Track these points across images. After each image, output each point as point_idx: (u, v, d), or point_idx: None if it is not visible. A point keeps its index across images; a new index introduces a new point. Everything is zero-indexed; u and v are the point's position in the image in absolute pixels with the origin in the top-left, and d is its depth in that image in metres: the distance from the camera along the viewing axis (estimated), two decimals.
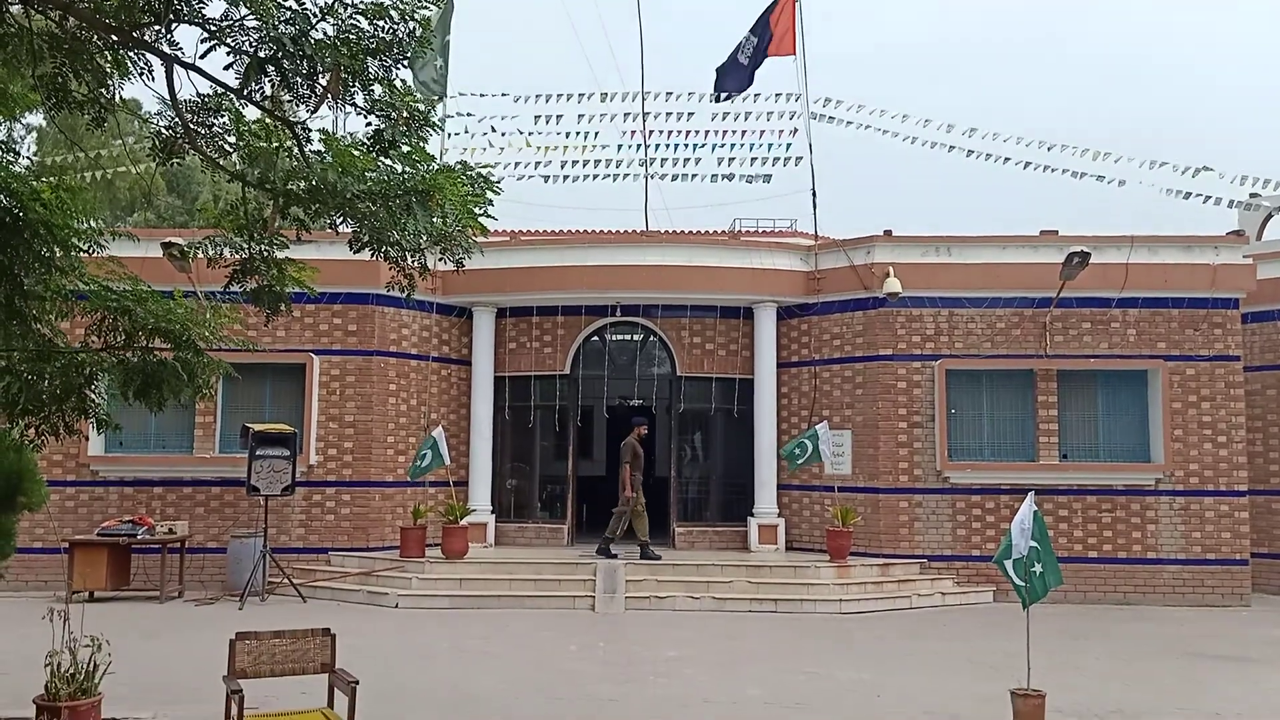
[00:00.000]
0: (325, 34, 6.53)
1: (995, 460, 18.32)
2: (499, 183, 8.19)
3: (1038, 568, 9.60)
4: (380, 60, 6.80)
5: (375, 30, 6.64)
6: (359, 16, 6.57)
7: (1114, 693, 10.96)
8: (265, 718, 7.44)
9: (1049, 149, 21.63)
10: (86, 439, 16.52)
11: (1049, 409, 18.24)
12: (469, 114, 23.41)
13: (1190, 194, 20.67)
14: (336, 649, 7.68)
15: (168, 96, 7.10)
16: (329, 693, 7.64)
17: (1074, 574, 17.25)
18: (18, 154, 8.02)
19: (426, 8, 6.84)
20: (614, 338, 20.39)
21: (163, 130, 7.52)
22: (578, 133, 23.55)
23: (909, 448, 18.25)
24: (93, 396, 8.67)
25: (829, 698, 10.62)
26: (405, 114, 7.23)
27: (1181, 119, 63.09)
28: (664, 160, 23.50)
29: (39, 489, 10.53)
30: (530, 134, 23.43)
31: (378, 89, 7.02)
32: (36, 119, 30.49)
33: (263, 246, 8.50)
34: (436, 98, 20.94)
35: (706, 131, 23.46)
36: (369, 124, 7.31)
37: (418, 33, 6.77)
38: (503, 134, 23.44)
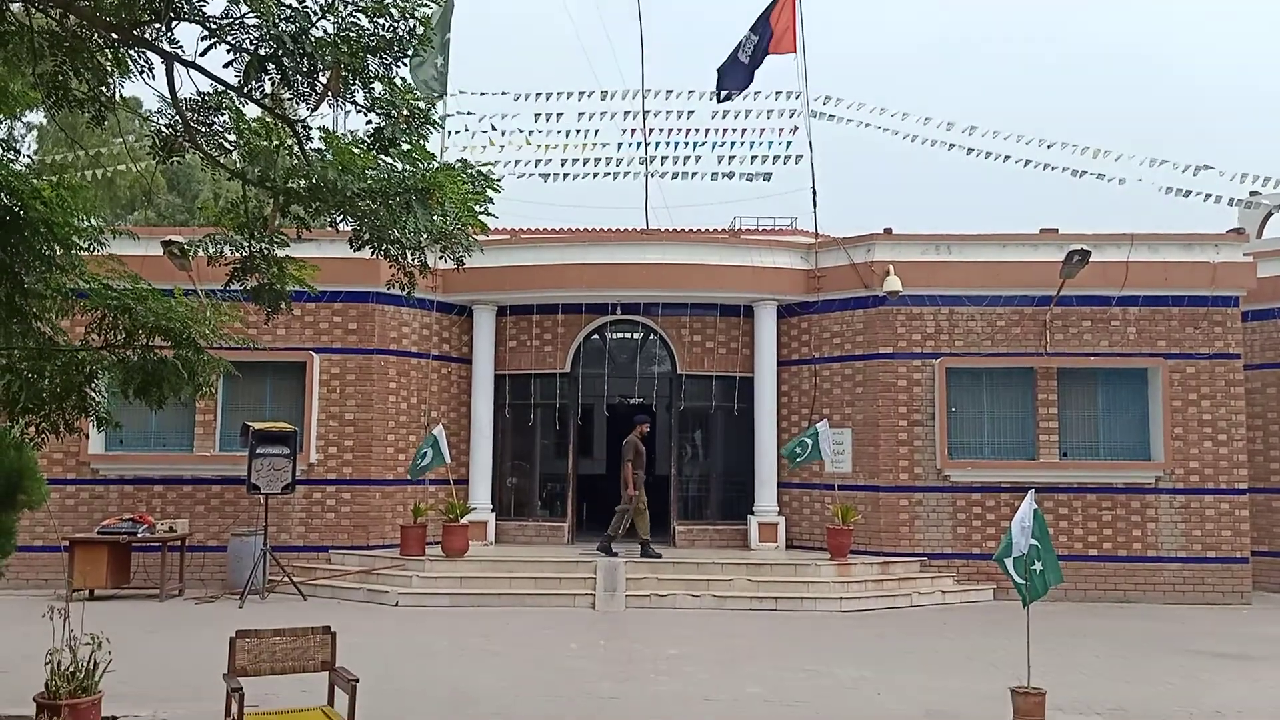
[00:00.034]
0: (325, 32, 6.53)
1: (995, 458, 18.32)
2: (499, 181, 8.20)
3: (1038, 566, 9.61)
4: (380, 58, 6.80)
5: (375, 28, 6.64)
6: (359, 14, 6.57)
7: (1114, 690, 10.96)
8: (265, 716, 7.45)
9: (1049, 147, 21.61)
10: (87, 437, 16.55)
11: (1049, 407, 18.24)
12: (469, 112, 23.41)
13: (1190, 192, 20.66)
14: (337, 647, 7.69)
15: (168, 94, 7.10)
16: (329, 691, 7.64)
17: (1074, 572, 17.25)
18: (18, 152, 8.03)
19: (427, 5, 6.83)
20: (614, 336, 20.39)
21: (163, 128, 7.53)
22: (578, 131, 23.53)
23: (909, 446, 18.25)
24: (93, 395, 8.68)
25: (829, 696, 10.62)
26: (405, 112, 7.24)
27: (1181, 119, 63.05)
28: (664, 158, 23.46)
29: (39, 487, 10.53)
30: (530, 132, 23.42)
31: (378, 87, 7.02)
32: (37, 117, 30.51)
33: (263, 244, 8.50)
34: (437, 96, 20.94)
35: (707, 130, 23.44)
36: (369, 122, 7.31)
37: (418, 30, 6.77)
38: (503, 132, 23.43)
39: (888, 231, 18.90)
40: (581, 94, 23.33)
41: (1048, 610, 14.39)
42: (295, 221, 8.49)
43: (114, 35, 6.80)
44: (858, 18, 77.71)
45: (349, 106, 7.07)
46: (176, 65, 6.90)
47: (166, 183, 34.57)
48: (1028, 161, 21.90)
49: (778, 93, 23.15)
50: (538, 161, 23.67)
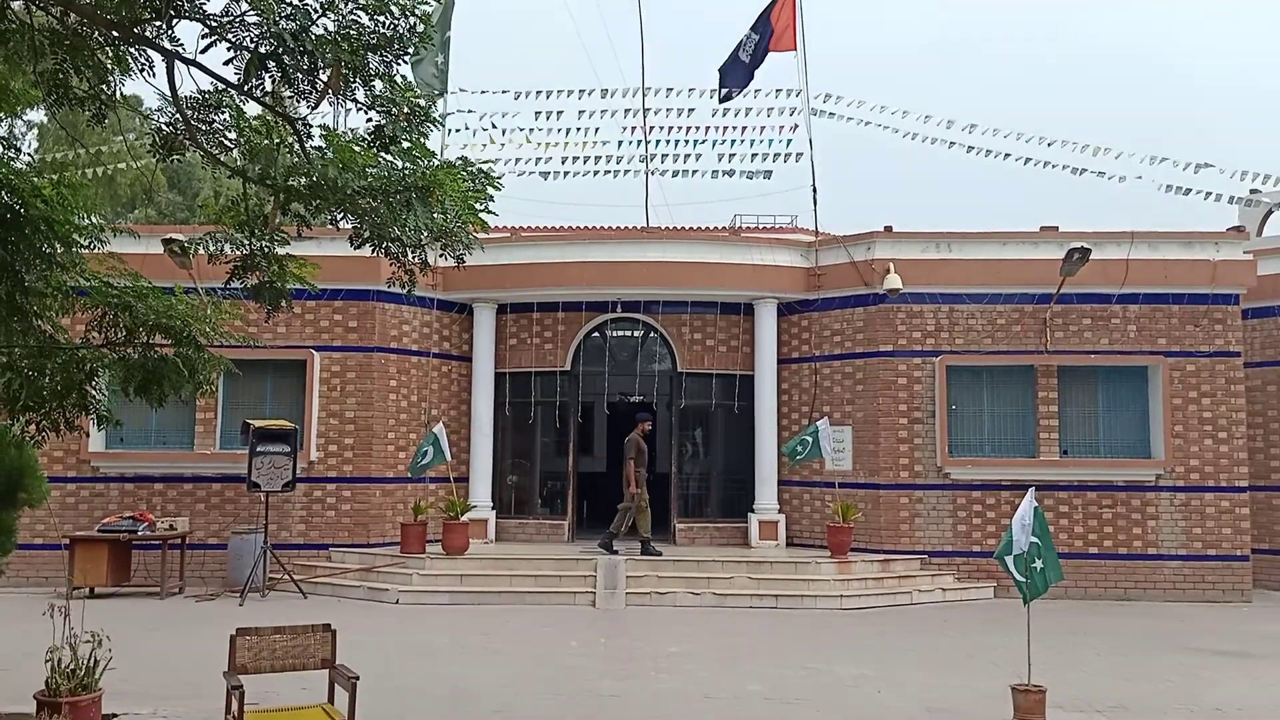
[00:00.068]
0: (326, 29, 6.54)
1: (996, 456, 18.32)
2: (499, 179, 8.20)
3: (1038, 563, 9.61)
4: (381, 55, 6.81)
5: (376, 26, 6.65)
6: (359, 12, 6.58)
7: (1115, 688, 10.96)
8: (266, 713, 7.45)
9: (1049, 145, 21.62)
10: (87, 435, 16.64)
11: (1049, 405, 18.24)
12: (470, 110, 23.42)
13: (1191, 190, 20.66)
14: (337, 645, 7.68)
15: (168, 92, 7.11)
16: (329, 688, 7.65)
17: (1075, 570, 17.26)
18: (19, 150, 8.03)
19: (427, 3, 6.85)
20: (615, 334, 20.39)
21: (163, 126, 7.54)
22: (578, 129, 23.54)
23: (909, 444, 18.25)
24: (93, 392, 8.68)
25: (830, 694, 10.62)
26: (406, 109, 7.24)
27: (1181, 119, 63.01)
28: (664, 156, 23.45)
29: (40, 485, 10.54)
30: (531, 130, 23.43)
31: (378, 84, 7.03)
32: (38, 115, 30.51)
33: (263, 242, 8.51)
34: (437, 93, 20.94)
35: (707, 128, 23.43)
36: (370, 120, 7.32)
37: (418, 28, 6.77)
38: (503, 130, 23.44)
39: (888, 229, 18.90)
40: (582, 92, 23.33)
41: (1048, 608, 14.38)
42: (296, 219, 8.50)
43: (114, 33, 6.80)
44: (857, 18, 77.73)
45: (349, 104, 7.09)
46: (177, 63, 6.90)
47: (167, 181, 34.56)
48: (1028, 159, 21.90)
49: (778, 90, 23.15)
50: (538, 159, 23.68)
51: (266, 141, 7.80)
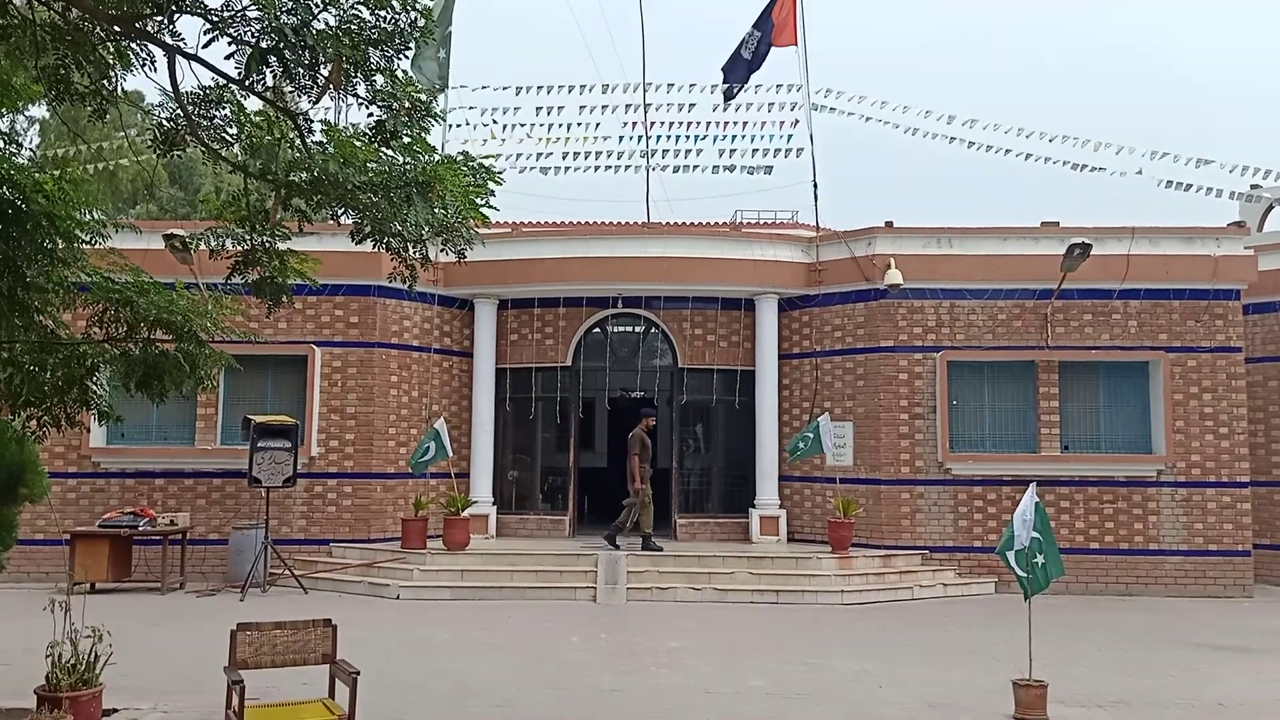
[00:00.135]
0: (327, 24, 6.53)
1: (997, 452, 18.31)
2: (500, 174, 8.20)
3: (1040, 559, 9.62)
4: (382, 51, 6.80)
5: (377, 21, 6.64)
6: (360, 7, 6.57)
7: (1116, 683, 10.96)
8: (266, 708, 7.46)
9: (1050, 141, 21.63)
10: (88, 431, 16.60)
11: (1050, 400, 18.24)
12: (470, 106, 23.43)
13: (1191, 185, 20.66)
14: (337, 640, 7.69)
15: (170, 88, 7.10)
16: (330, 683, 7.66)
17: (1076, 565, 17.26)
18: (20, 146, 8.04)
19: None
20: (615, 329, 20.38)
21: (165, 122, 7.53)
22: (579, 124, 23.56)
23: (910, 439, 18.25)
24: (94, 388, 8.68)
25: (831, 689, 10.63)
26: (407, 104, 7.24)
27: (1182, 119, 62.95)
28: (665, 152, 23.49)
29: (40, 480, 10.53)
30: (532, 125, 23.44)
31: (379, 79, 7.02)
32: (39, 111, 30.49)
33: (264, 238, 8.52)
34: (438, 89, 20.93)
35: (708, 123, 23.46)
36: (370, 115, 7.32)
37: (419, 23, 6.76)
38: (504, 126, 23.45)
39: (889, 225, 18.89)
40: (583, 87, 23.35)
41: (1049, 603, 14.38)
42: (297, 215, 8.51)
43: (116, 28, 6.80)
44: (857, 18, 77.64)
45: (350, 99, 7.09)
46: (178, 58, 6.90)
47: (168, 176, 34.55)
48: (1028, 155, 21.94)
49: (779, 86, 23.17)
50: (539, 155, 23.70)
51: (268, 137, 7.80)
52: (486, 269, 18.62)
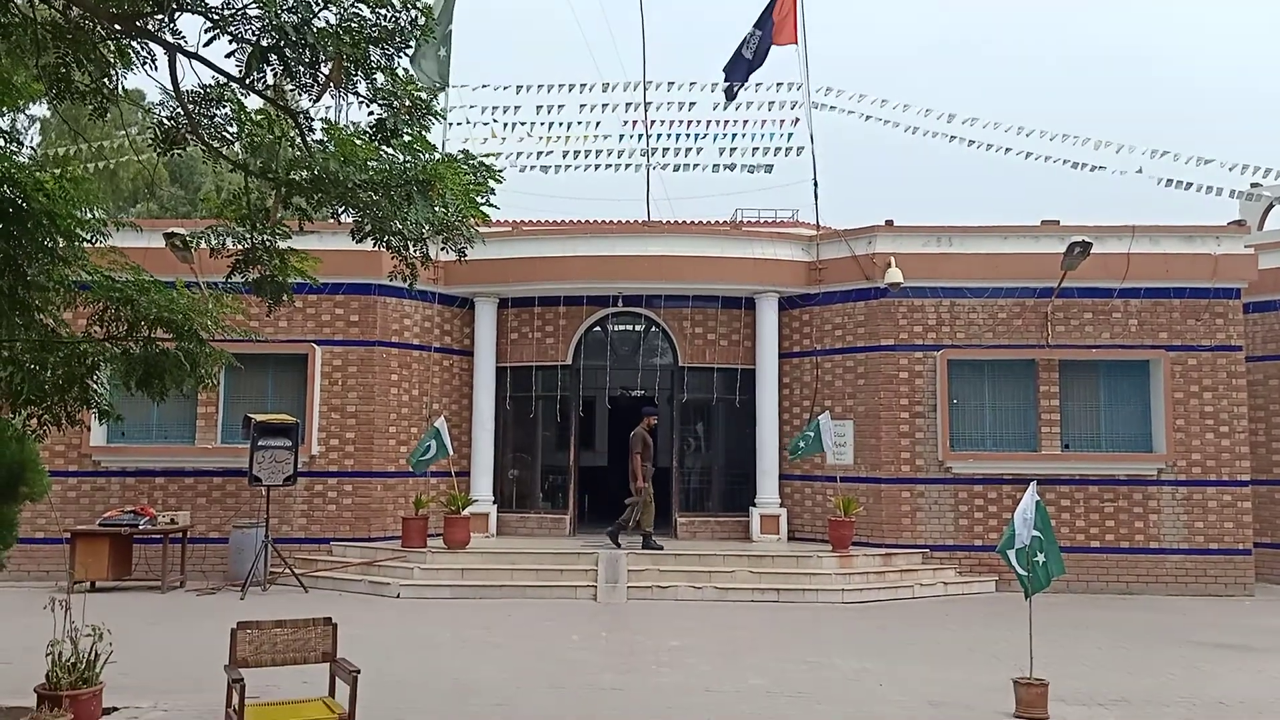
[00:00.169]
0: (327, 22, 6.54)
1: (997, 450, 18.31)
2: (500, 172, 8.21)
3: (1040, 557, 9.63)
4: (382, 49, 6.80)
5: (377, 19, 6.65)
6: (361, 4, 6.58)
7: (1117, 681, 10.96)
8: (267, 707, 7.46)
9: (1050, 140, 21.63)
10: (88, 429, 16.60)
11: (1051, 399, 18.24)
12: (471, 105, 23.44)
13: (1191, 185, 20.66)
14: (338, 638, 7.69)
15: (170, 86, 7.10)
16: (330, 682, 7.65)
17: (1076, 564, 17.25)
18: (21, 144, 8.03)
19: None
20: (616, 328, 20.37)
21: (165, 120, 7.54)
22: (579, 123, 23.57)
23: (911, 438, 18.25)
24: (95, 386, 8.69)
25: (831, 687, 10.62)
26: (407, 103, 7.24)
27: (1181, 121, 62.97)
28: (666, 150, 23.50)
29: (41, 479, 10.52)
30: (532, 124, 23.44)
31: (380, 78, 7.03)
32: (40, 110, 30.49)
33: (265, 236, 8.52)
34: (438, 87, 20.93)
35: (708, 122, 23.47)
36: (371, 113, 7.32)
37: (420, 21, 6.77)
38: (504, 124, 23.45)
39: (889, 223, 18.90)
40: (583, 86, 23.36)
41: (1050, 602, 14.38)
42: (297, 213, 8.51)
43: (117, 26, 6.80)
44: (857, 20, 77.66)
45: (351, 97, 7.08)
46: (179, 56, 6.90)
47: (169, 175, 34.56)
48: (1028, 154, 21.96)
49: (779, 84, 23.17)
50: (539, 154, 23.71)
51: (268, 135, 7.80)
52: (487, 267, 18.64)
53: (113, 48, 7.09)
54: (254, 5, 6.37)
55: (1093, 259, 17.26)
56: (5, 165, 7.10)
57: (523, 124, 23.53)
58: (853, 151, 37.84)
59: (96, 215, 7.79)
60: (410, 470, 18.29)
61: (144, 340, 8.40)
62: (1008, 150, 21.83)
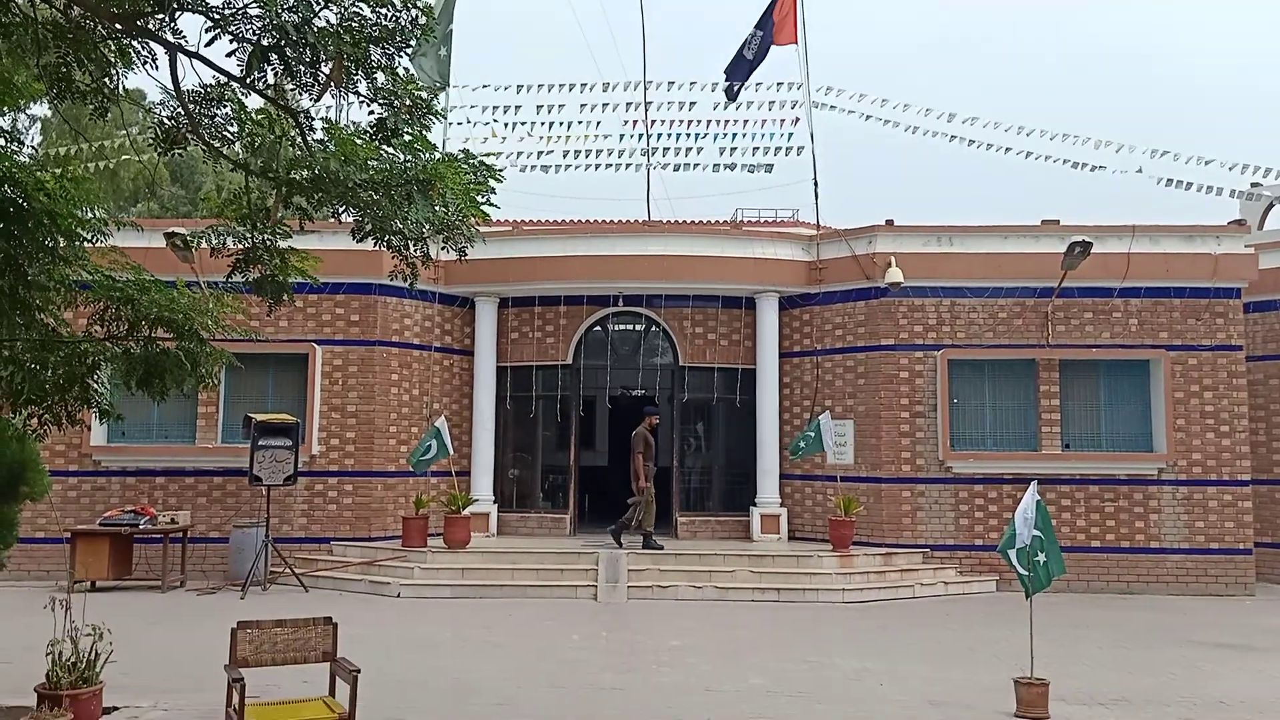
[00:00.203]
0: (328, 22, 6.54)
1: (998, 450, 18.30)
2: (501, 172, 8.21)
3: (1041, 557, 9.62)
4: (383, 48, 6.80)
5: (378, 18, 6.65)
6: (361, 4, 6.58)
7: (1117, 681, 10.96)
8: (267, 706, 7.46)
9: (1050, 139, 21.63)
10: (89, 429, 16.59)
11: (1051, 399, 18.24)
12: (472, 105, 23.44)
13: (1192, 184, 20.66)
14: (338, 638, 7.69)
15: (171, 85, 7.10)
16: (330, 682, 7.65)
17: (1077, 563, 17.25)
18: (22, 144, 8.03)
19: None
20: (616, 328, 20.38)
21: (166, 120, 7.54)
22: (580, 123, 23.57)
23: (911, 437, 18.25)
24: (95, 386, 8.69)
25: (832, 687, 10.62)
26: (408, 102, 7.24)
27: (1181, 119, 62.98)
28: (666, 150, 23.51)
29: (41, 479, 10.53)
30: (532, 124, 23.44)
31: (380, 77, 7.03)
32: (41, 109, 30.51)
33: (265, 236, 8.52)
34: (439, 87, 20.94)
35: (708, 121, 23.48)
36: (371, 113, 7.32)
37: (420, 20, 6.77)
38: (505, 124, 23.46)
39: (889, 223, 18.90)
40: (583, 86, 23.36)
41: (1050, 601, 14.37)
42: (298, 213, 8.51)
43: (117, 26, 6.80)
44: (857, 18, 77.66)
45: (351, 97, 7.09)
46: (180, 56, 6.90)
47: (170, 174, 34.58)
48: (1029, 154, 21.97)
49: (779, 84, 23.18)
50: (539, 153, 23.71)
51: (269, 135, 7.80)
52: (487, 267, 18.64)
53: (113, 47, 7.09)
54: (255, 4, 6.37)
55: (1093, 259, 17.27)
56: (6, 165, 7.11)
57: (523, 124, 23.56)
58: (853, 151, 37.87)
59: (97, 215, 7.79)
60: (411, 470, 18.29)
61: (144, 340, 8.40)
62: (1008, 150, 21.86)
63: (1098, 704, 9.97)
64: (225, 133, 7.77)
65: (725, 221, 27.46)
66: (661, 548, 17.47)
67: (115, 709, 8.84)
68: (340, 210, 7.92)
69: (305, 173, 7.62)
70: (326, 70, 6.74)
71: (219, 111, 7.57)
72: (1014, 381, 18.53)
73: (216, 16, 6.49)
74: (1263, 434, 19.11)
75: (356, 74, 6.86)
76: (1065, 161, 21.65)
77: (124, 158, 26.37)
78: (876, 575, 17.11)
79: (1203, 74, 71.16)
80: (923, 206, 67.43)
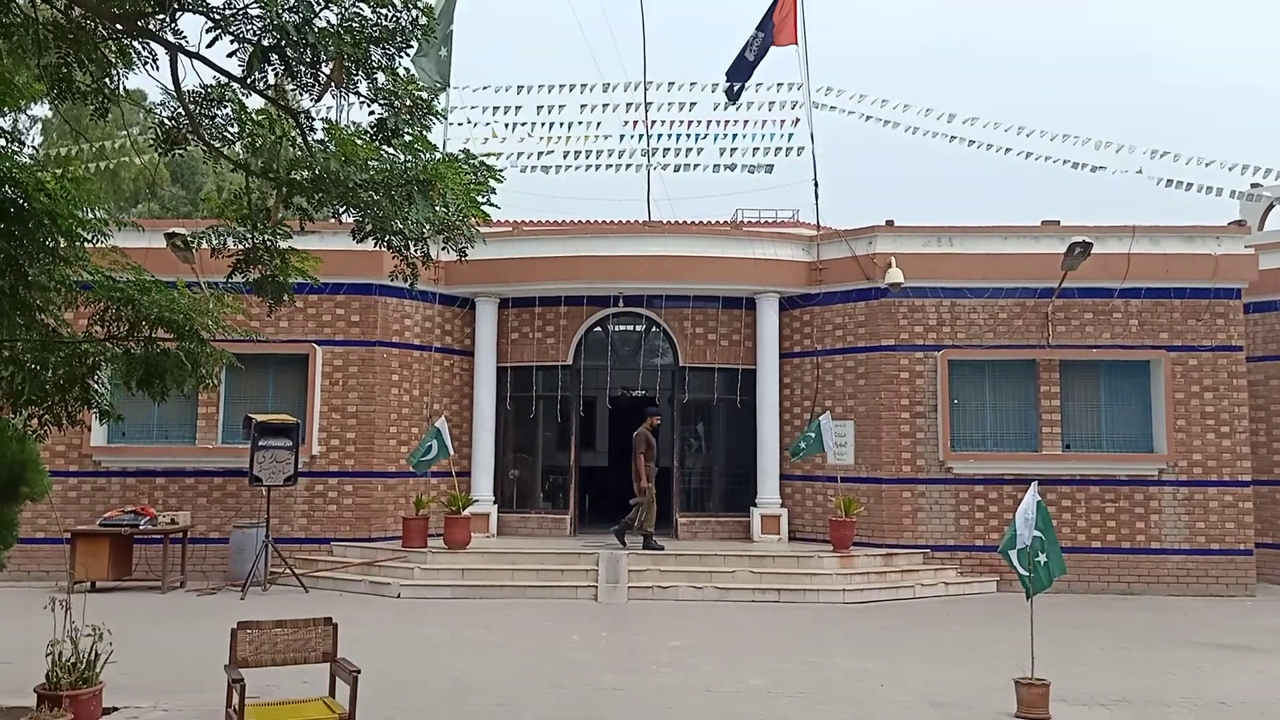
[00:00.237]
0: (328, 22, 6.54)
1: (998, 450, 18.30)
2: (501, 172, 8.21)
3: (1042, 558, 9.62)
4: (383, 49, 6.80)
5: (378, 18, 6.65)
6: (362, 4, 6.58)
7: (1118, 682, 10.96)
8: (267, 706, 7.46)
9: (1050, 140, 21.64)
10: (89, 429, 16.61)
11: (1051, 399, 18.23)
12: (472, 106, 23.46)
13: (1192, 185, 20.67)
14: (338, 638, 7.69)
15: (172, 86, 7.10)
16: (330, 682, 7.65)
17: (1077, 564, 17.24)
18: (23, 144, 8.03)
19: None
20: (616, 328, 20.37)
21: (166, 120, 7.54)
22: (580, 123, 23.58)
23: (912, 438, 18.24)
24: (96, 386, 8.69)
25: (832, 687, 10.62)
26: (408, 102, 7.24)
27: (1181, 119, 63.02)
28: (666, 150, 23.52)
29: (41, 479, 10.52)
30: (533, 124, 23.45)
31: (381, 77, 7.03)
32: (42, 110, 30.51)
33: (266, 236, 8.52)
34: (439, 87, 20.95)
35: (708, 122, 23.49)
36: (372, 113, 7.32)
37: (420, 21, 6.77)
38: (505, 124, 23.47)
39: (889, 224, 18.89)
40: (584, 86, 23.37)
41: (1051, 602, 14.36)
42: (298, 213, 8.51)
43: (118, 26, 6.80)
44: (857, 17, 77.68)
45: (352, 97, 7.09)
46: (180, 56, 6.90)
47: (170, 175, 34.60)
48: (1029, 154, 21.98)
49: (779, 84, 23.19)
50: (540, 154, 23.72)
51: (269, 135, 7.80)
52: (487, 268, 18.64)
53: (114, 48, 7.09)
54: (255, 5, 6.38)
55: (1093, 259, 17.26)
56: (7, 165, 7.11)
57: (523, 124, 23.57)
58: (853, 152, 37.89)
59: (98, 215, 7.79)
60: (411, 470, 18.28)
61: (145, 340, 8.41)
62: (1008, 150, 21.89)
63: (1098, 705, 9.97)
64: (226, 133, 7.77)
65: (725, 222, 27.47)
66: (662, 548, 17.47)
67: (115, 709, 8.84)
68: (340, 210, 7.93)
69: (306, 173, 7.62)
70: (327, 71, 6.74)
71: (219, 112, 7.57)
72: (1014, 382, 18.53)
73: (217, 17, 6.49)
74: (1263, 434, 19.10)
75: (357, 74, 6.86)
76: (1065, 162, 21.68)
77: (125, 158, 26.36)
78: (877, 576, 17.11)
79: (1203, 73, 71.24)
80: (923, 207, 67.51)
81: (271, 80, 6.95)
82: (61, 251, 7.64)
